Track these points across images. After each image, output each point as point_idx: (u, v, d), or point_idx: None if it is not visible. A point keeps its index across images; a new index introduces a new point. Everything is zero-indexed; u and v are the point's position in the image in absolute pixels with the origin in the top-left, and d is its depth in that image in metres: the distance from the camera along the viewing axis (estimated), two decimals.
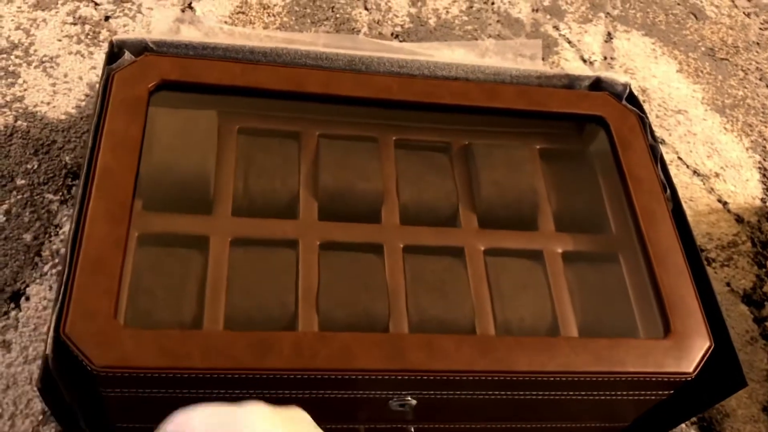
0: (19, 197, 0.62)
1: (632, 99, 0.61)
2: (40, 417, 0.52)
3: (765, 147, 0.80)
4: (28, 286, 0.58)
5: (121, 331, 0.40)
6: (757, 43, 0.90)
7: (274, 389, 0.43)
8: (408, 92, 0.57)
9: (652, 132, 0.59)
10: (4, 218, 0.61)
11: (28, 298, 0.57)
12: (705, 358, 0.47)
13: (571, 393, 0.48)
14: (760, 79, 0.86)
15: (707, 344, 0.48)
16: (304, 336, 0.44)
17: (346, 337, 0.43)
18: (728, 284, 0.70)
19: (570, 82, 0.62)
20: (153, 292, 0.46)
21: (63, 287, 0.41)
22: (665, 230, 0.53)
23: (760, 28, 0.92)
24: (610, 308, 0.53)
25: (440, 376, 0.44)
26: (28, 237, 0.60)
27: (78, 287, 0.41)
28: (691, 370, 0.47)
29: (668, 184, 0.56)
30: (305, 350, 0.42)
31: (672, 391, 0.49)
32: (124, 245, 0.43)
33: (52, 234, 0.61)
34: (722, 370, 0.49)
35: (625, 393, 0.49)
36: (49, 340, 0.39)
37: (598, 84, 0.62)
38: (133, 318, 0.45)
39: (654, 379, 0.47)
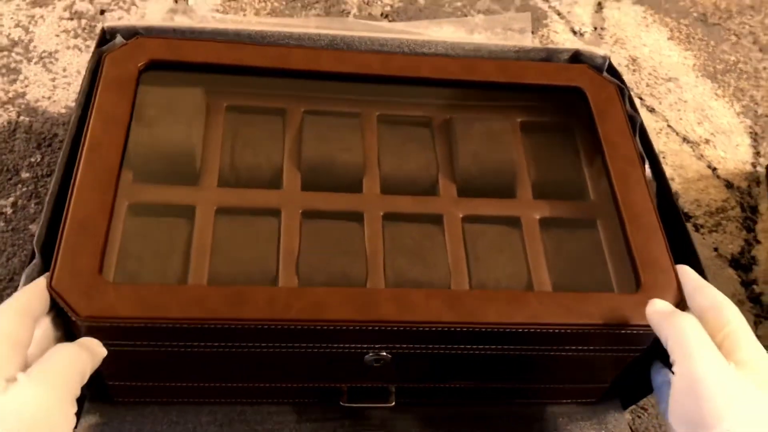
0: (24, 190, 0.66)
1: (612, 71, 0.62)
2: None
3: (756, 111, 0.80)
4: None
5: (104, 285, 0.43)
6: (752, 7, 0.90)
7: (251, 341, 0.45)
8: (388, 68, 0.59)
9: (631, 102, 0.60)
10: (11, 210, 0.64)
11: None
12: None
13: (542, 347, 0.49)
14: (754, 43, 0.86)
15: (677, 298, 0.49)
16: (279, 291, 0.46)
17: (320, 291, 0.46)
18: (716, 249, 0.70)
19: (548, 56, 0.63)
20: (140, 256, 0.49)
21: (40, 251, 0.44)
22: (639, 192, 0.54)
23: None
24: (585, 269, 0.54)
25: (409, 326, 0.46)
26: (33, 227, 0.64)
27: (65, 246, 0.44)
28: None
29: (649, 151, 0.57)
30: (280, 303, 0.44)
31: (644, 347, 0.50)
32: (110, 210, 0.46)
33: None
34: None
35: (595, 347, 0.50)
36: None
37: (577, 57, 0.63)
38: (121, 279, 0.47)
39: (623, 331, 0.48)
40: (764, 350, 0.40)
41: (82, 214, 0.45)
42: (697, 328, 0.41)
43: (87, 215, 0.46)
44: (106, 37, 0.57)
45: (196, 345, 0.45)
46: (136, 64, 0.55)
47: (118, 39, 0.57)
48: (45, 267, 0.44)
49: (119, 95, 0.53)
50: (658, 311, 0.45)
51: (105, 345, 0.43)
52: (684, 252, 0.52)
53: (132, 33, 0.58)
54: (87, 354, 0.41)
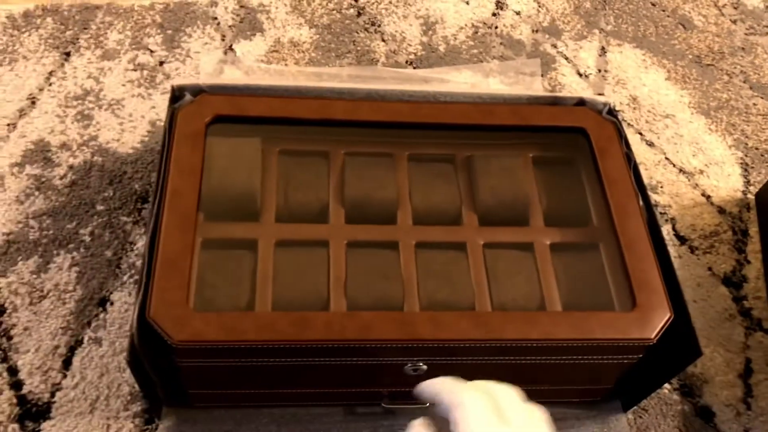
0: (99, 221, 0.76)
1: (612, 115, 0.71)
2: (129, 397, 0.65)
3: (747, 144, 0.89)
4: (111, 293, 0.71)
5: (192, 314, 0.53)
6: (742, 48, 0.98)
7: (312, 357, 0.55)
8: (417, 115, 0.69)
9: (627, 142, 0.69)
10: (89, 238, 0.74)
11: (112, 303, 0.70)
12: (665, 327, 0.57)
13: (554, 357, 0.58)
14: (744, 81, 0.95)
15: (667, 315, 0.58)
16: (334, 315, 0.56)
17: (368, 315, 0.55)
18: (710, 269, 0.79)
19: (555, 102, 0.72)
20: (215, 285, 0.59)
21: (144, 284, 0.54)
22: (635, 223, 0.63)
23: (746, 34, 1.00)
24: (590, 288, 0.64)
25: (443, 344, 0.55)
26: (108, 253, 0.73)
27: (158, 282, 0.53)
28: (652, 336, 0.57)
29: (641, 186, 0.66)
30: (335, 325, 0.54)
31: (640, 355, 0.59)
32: (191, 249, 0.56)
33: (128, 250, 0.74)
34: (684, 343, 0.59)
35: (599, 357, 0.59)
36: (134, 323, 0.51)
37: (582, 103, 0.72)
38: (200, 305, 0.57)
39: (621, 344, 0.57)
40: None
41: (169, 254, 0.55)
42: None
43: (173, 254, 0.55)
44: (175, 94, 0.67)
45: (266, 360, 0.54)
46: (203, 119, 0.64)
47: (187, 96, 0.67)
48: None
49: (191, 147, 0.62)
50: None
51: (192, 362, 0.53)
52: (666, 270, 0.60)
53: (197, 90, 0.67)
54: None
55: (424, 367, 0.58)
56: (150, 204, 0.59)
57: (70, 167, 0.79)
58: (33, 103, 0.83)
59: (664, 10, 1.02)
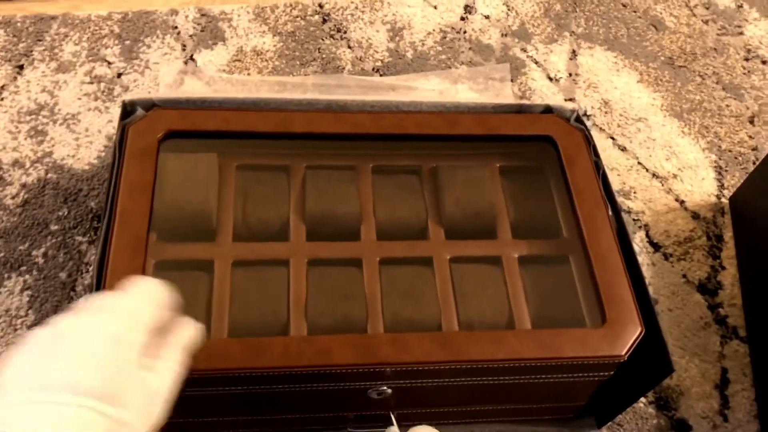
0: (53, 241, 0.73)
1: (579, 122, 0.69)
2: None
3: (720, 147, 0.87)
4: None
5: None
6: (714, 49, 0.97)
7: (270, 384, 0.52)
8: (379, 126, 0.66)
9: (595, 150, 0.67)
10: (43, 260, 0.71)
11: None
12: (636, 343, 0.55)
13: (522, 377, 0.56)
14: (717, 83, 0.93)
15: (638, 331, 0.56)
16: (291, 340, 0.54)
17: (327, 339, 0.53)
18: (684, 276, 0.77)
19: (522, 110, 0.70)
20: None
21: None
22: (605, 235, 0.61)
23: (718, 34, 0.99)
24: (560, 303, 0.62)
25: (406, 367, 0.53)
26: (63, 275, 0.70)
27: None
28: (623, 353, 0.55)
29: (609, 194, 0.64)
30: (292, 351, 0.51)
31: (612, 372, 0.58)
32: (143, 272, 0.53)
33: (84, 271, 0.71)
34: (657, 358, 0.57)
35: (569, 375, 0.57)
36: None
37: (549, 111, 0.70)
38: None
39: (591, 362, 0.55)
40: None
41: (118, 280, 0.52)
42: None
43: (123, 278, 0.52)
44: (127, 109, 0.64)
45: (222, 389, 0.52)
46: (155, 135, 0.62)
47: (139, 111, 0.64)
48: None
49: (142, 165, 0.60)
50: None
51: None
52: (637, 282, 0.59)
53: (150, 104, 0.65)
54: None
55: (389, 390, 0.56)
56: (102, 227, 0.56)
57: (23, 185, 0.75)
58: None
59: (635, 11, 1.00)
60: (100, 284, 0.52)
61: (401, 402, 0.59)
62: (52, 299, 0.69)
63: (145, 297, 0.43)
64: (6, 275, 0.70)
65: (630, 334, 0.56)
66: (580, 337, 0.55)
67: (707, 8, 1.02)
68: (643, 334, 0.56)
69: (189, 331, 0.45)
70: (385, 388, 0.55)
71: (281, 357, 0.51)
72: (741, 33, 1.00)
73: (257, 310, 0.57)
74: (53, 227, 0.73)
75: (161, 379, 0.40)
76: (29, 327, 0.67)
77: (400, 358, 0.52)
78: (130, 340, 0.39)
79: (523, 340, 0.55)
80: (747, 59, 0.96)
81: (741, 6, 1.03)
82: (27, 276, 0.70)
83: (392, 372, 0.53)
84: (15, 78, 0.84)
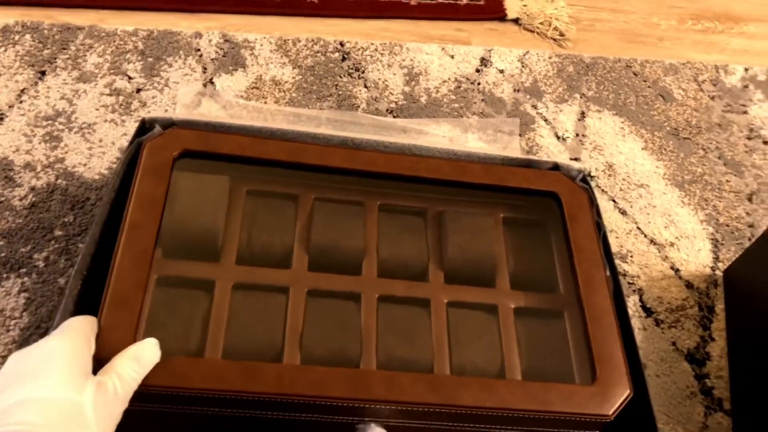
0: (56, 246, 0.73)
1: (585, 182, 0.70)
2: None
3: (718, 220, 0.89)
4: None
5: None
6: (719, 125, 1.00)
7: (260, 410, 0.52)
8: (391, 166, 0.68)
9: (598, 210, 0.68)
10: (43, 264, 0.72)
11: None
12: (623, 404, 0.56)
13: (510, 427, 0.57)
14: (719, 158, 0.96)
15: (627, 392, 0.57)
16: (286, 367, 0.54)
17: (321, 370, 0.53)
18: (674, 343, 0.78)
19: (530, 165, 0.72)
20: (165, 325, 0.57)
21: None
22: (601, 294, 0.63)
23: (723, 111, 1.02)
24: (551, 357, 0.62)
25: (396, 406, 0.53)
26: (61, 281, 0.71)
27: (105, 320, 0.51)
28: (610, 413, 0.55)
29: (608, 255, 0.65)
30: (286, 379, 0.52)
31: (597, 431, 0.58)
32: (144, 286, 0.54)
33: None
34: (642, 423, 0.57)
35: (555, 429, 0.57)
36: None
37: (557, 168, 0.72)
38: None
39: (578, 419, 0.56)
40: None
41: (120, 292, 0.53)
42: None
43: (125, 292, 0.53)
44: (145, 126, 0.66)
45: (213, 410, 0.52)
46: (171, 153, 0.63)
47: (157, 128, 0.65)
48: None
49: (156, 180, 0.60)
50: None
51: (136, 406, 0.50)
52: (628, 345, 0.59)
53: (169, 123, 0.66)
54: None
55: (376, 429, 0.56)
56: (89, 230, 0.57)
57: (32, 188, 0.76)
58: (1, 119, 0.81)
59: (645, 81, 1.03)
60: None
61: None
62: (48, 304, 0.69)
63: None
64: (5, 275, 0.70)
65: (619, 394, 0.57)
66: (570, 393, 0.56)
67: (714, 85, 1.05)
68: (631, 396, 0.57)
69: (138, 345, 0.50)
70: (373, 425, 0.55)
71: (275, 384, 0.51)
72: (745, 112, 1.02)
73: (253, 334, 0.58)
74: (57, 233, 0.74)
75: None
76: (22, 329, 0.67)
77: (391, 396, 0.53)
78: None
79: (514, 391, 0.55)
80: (749, 138, 0.99)
81: (747, 86, 1.06)
82: (26, 278, 0.70)
83: (383, 410, 0.53)
84: (36, 83, 0.85)
